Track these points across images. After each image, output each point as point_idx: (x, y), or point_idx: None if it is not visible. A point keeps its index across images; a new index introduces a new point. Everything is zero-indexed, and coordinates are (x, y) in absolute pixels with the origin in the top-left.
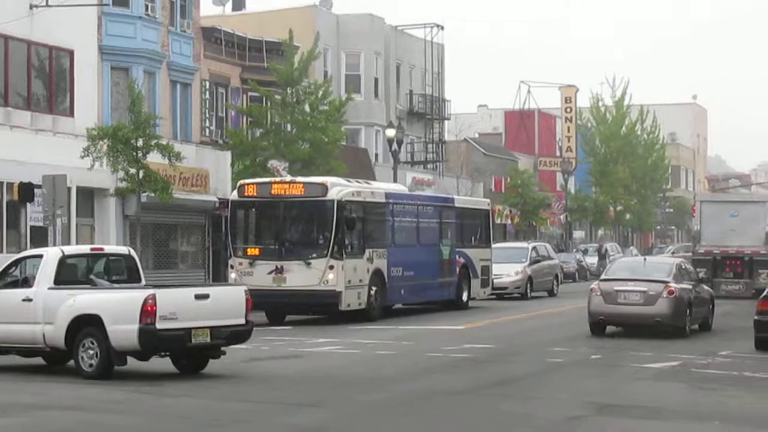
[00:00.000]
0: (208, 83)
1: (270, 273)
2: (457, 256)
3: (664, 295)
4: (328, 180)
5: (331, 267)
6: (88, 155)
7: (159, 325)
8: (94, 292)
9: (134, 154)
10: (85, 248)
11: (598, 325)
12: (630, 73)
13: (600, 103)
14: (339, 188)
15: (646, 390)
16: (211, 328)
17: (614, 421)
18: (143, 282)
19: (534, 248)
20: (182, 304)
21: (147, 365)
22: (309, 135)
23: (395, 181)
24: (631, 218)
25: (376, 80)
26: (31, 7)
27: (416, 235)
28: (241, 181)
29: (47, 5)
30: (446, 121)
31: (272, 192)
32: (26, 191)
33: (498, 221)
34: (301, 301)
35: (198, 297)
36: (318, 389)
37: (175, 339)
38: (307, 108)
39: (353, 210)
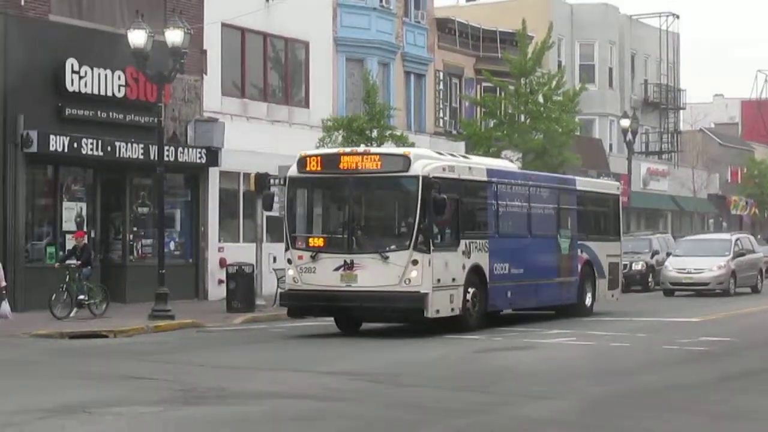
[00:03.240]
0: (442, 74)
1: (337, 270)
2: (579, 251)
3: None
4: (411, 151)
5: (415, 262)
6: (323, 146)
7: None
8: None
9: (369, 143)
10: None
11: None
12: None
13: None
14: (425, 161)
15: None
16: None
17: None
18: None
19: (738, 240)
20: None
21: None
22: (542, 125)
23: (629, 172)
24: None
25: (611, 70)
26: (267, 0)
27: (527, 223)
28: (302, 153)
29: None
30: (681, 111)
31: (341, 166)
32: (262, 182)
33: (734, 212)
34: (377, 306)
35: None
36: (552, 381)
37: None
38: (540, 98)
39: (444, 189)
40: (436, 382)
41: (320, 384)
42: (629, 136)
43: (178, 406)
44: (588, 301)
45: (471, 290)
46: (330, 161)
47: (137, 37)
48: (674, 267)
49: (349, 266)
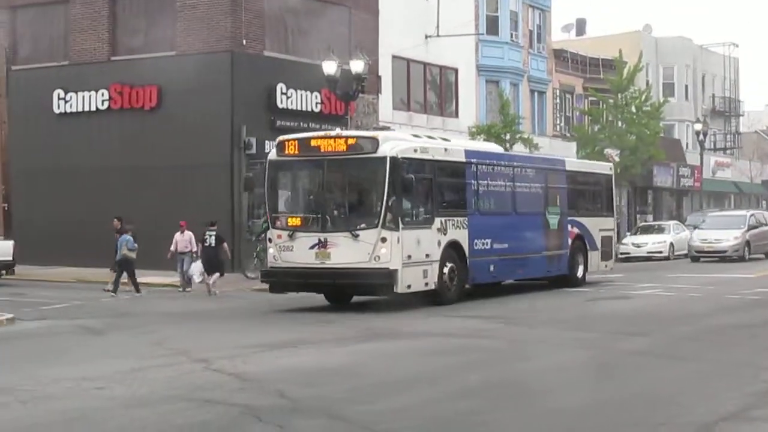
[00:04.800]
0: (558, 91)
1: (312, 248)
2: (569, 226)
3: None
4: (380, 133)
5: (384, 239)
6: None
7: None
8: None
9: (504, 144)
10: None
11: None
12: None
13: None
14: (394, 143)
15: None
16: None
17: None
18: None
19: (752, 215)
20: None
21: None
22: (635, 129)
23: (701, 164)
24: None
25: (686, 87)
26: (426, 37)
27: (511, 201)
28: (281, 137)
29: (438, 35)
30: (741, 117)
31: (316, 149)
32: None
33: None
34: (349, 282)
35: None
36: (643, 323)
37: None
38: (633, 109)
39: (414, 169)
40: (553, 323)
41: (465, 326)
42: (701, 136)
43: (360, 342)
44: (579, 271)
45: (448, 265)
46: (306, 145)
47: (329, 67)
48: (698, 238)
49: (323, 244)
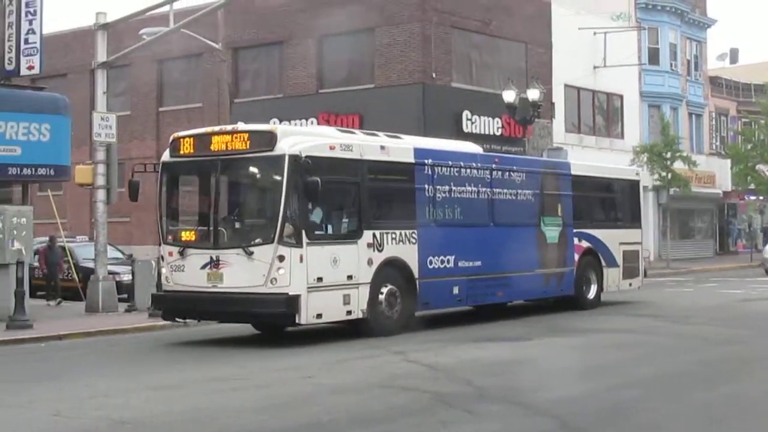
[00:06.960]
0: (713, 114)
1: (204, 267)
2: (576, 240)
3: None
4: (279, 127)
5: (281, 258)
6: (633, 164)
7: None
8: None
9: (665, 162)
10: None
11: None
12: None
13: None
14: (297, 138)
15: None
16: None
17: None
18: None
19: None
20: None
21: None
22: None
23: None
24: None
25: None
26: (594, 67)
27: (488, 210)
28: (175, 134)
29: (605, 66)
30: None
31: (212, 148)
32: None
33: None
34: (242, 310)
35: None
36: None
37: None
38: None
39: (328, 170)
40: (713, 322)
41: (633, 322)
42: None
43: (548, 337)
44: (591, 292)
45: (386, 288)
46: (202, 142)
47: (509, 95)
48: None
49: (215, 264)
